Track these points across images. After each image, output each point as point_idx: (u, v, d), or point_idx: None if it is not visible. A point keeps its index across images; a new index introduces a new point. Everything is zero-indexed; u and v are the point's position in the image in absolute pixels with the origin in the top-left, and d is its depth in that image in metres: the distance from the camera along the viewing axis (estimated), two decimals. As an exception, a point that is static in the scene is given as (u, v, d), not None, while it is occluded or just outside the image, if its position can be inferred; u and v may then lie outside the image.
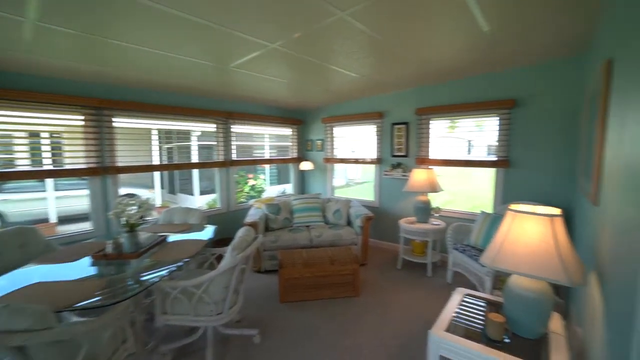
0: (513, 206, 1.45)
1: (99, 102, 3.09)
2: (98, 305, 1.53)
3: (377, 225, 4.56)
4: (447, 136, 4.59)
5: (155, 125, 3.76)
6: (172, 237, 2.63)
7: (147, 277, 1.86)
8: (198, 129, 4.56)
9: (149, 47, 2.32)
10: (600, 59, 1.77)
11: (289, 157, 5.61)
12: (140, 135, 4.19)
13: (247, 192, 7.52)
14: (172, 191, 9.06)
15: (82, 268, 1.99)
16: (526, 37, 2.42)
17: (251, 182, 7.73)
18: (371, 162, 4.66)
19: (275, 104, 4.96)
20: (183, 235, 2.69)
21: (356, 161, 4.97)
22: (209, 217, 4.16)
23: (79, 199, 6.46)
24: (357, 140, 5.09)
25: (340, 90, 4.08)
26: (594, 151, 1.72)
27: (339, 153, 5.33)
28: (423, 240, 3.59)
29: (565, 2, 1.86)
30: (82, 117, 3.07)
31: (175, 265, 2.03)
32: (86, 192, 3.24)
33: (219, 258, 2.42)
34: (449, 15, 2.00)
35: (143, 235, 2.44)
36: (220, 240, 3.88)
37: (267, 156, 5.46)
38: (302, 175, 5.78)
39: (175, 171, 8.54)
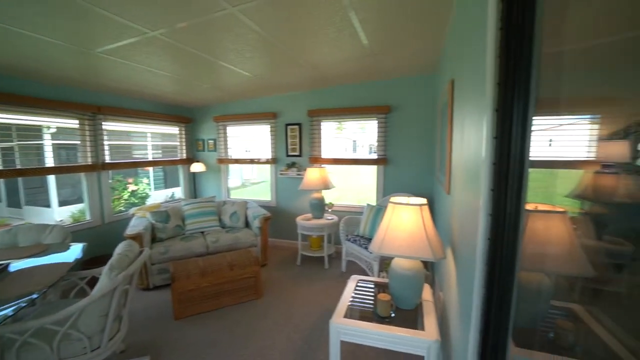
0: (393, 199, 1.70)
1: None
2: None
3: (276, 225, 4.62)
4: (336, 137, 4.99)
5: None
6: (17, 265, 2.06)
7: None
8: (52, 125, 3.69)
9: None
10: (447, 78, 2.23)
11: (178, 158, 5.11)
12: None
13: (127, 200, 6.51)
14: (14, 204, 7.08)
15: None
16: (396, 54, 2.85)
17: (132, 188, 6.73)
18: (267, 162, 4.67)
19: (159, 100, 4.44)
20: (35, 260, 2.15)
21: (252, 161, 4.91)
22: (76, 232, 3.43)
23: None
24: (251, 140, 5.02)
25: (233, 88, 3.95)
26: (445, 151, 2.17)
27: (233, 153, 5.15)
28: (319, 235, 3.82)
29: (419, 30, 2.28)
30: None
31: (24, 300, 1.60)
32: None
33: (93, 281, 2.04)
34: (334, 26, 2.18)
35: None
36: (94, 259, 3.27)
37: (150, 157, 4.83)
38: (194, 178, 5.35)
39: (19, 178, 6.69)
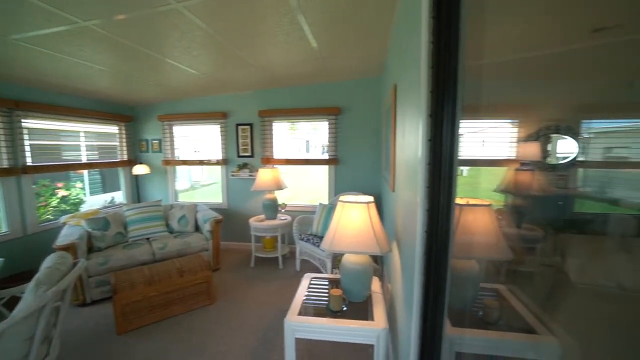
0: (342, 197, 1.77)
1: None
2: None
3: (228, 227, 4.50)
4: (290, 137, 5.01)
5: None
6: None
7: None
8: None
9: None
10: (391, 83, 2.38)
11: (117, 159, 4.71)
12: None
13: (56, 207, 5.83)
14: None
15: None
16: (344, 57, 2.96)
17: (62, 193, 6.03)
18: (217, 163, 4.53)
19: (95, 96, 4.05)
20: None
21: (201, 162, 4.71)
22: (-10, 247, 3.00)
23: None
24: (201, 141, 4.83)
25: (180, 86, 3.76)
26: (390, 151, 2.31)
27: (180, 154, 4.89)
28: (273, 235, 3.81)
29: (365, 35, 2.40)
30: None
31: None
32: None
33: (13, 301, 1.81)
34: (284, 28, 2.20)
35: None
36: (14, 276, 2.89)
37: (84, 159, 4.38)
38: (137, 181, 4.98)
39: None
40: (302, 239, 3.59)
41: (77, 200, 6.25)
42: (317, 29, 2.23)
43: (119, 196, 5.07)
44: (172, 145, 4.78)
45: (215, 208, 4.40)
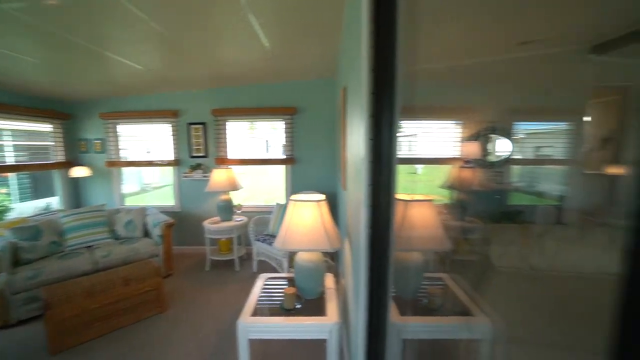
0: (293, 197, 1.79)
1: None
2: None
3: (181, 231, 4.29)
4: (248, 136, 4.92)
5: None
6: None
7: None
8: None
9: None
10: (342, 84, 2.45)
11: (51, 161, 4.27)
12: None
13: (-26, 216, 5.14)
14: None
15: None
16: (297, 57, 2.97)
17: (-19, 200, 5.34)
18: (168, 164, 4.30)
19: (23, 90, 3.63)
20: None
21: (150, 163, 4.45)
22: None
23: None
24: (150, 141, 4.55)
25: (124, 82, 3.52)
26: (341, 151, 2.38)
27: (128, 154, 4.57)
28: (228, 237, 3.71)
29: (316, 37, 2.44)
30: None
31: None
32: None
33: None
34: (235, 26, 2.16)
35: None
36: None
37: (10, 161, 3.90)
38: (77, 184, 4.55)
39: None
40: (259, 240, 3.55)
41: (1, 207, 5.56)
42: (269, 28, 2.22)
43: (55, 202, 4.60)
44: (116, 145, 4.44)
45: (167, 211, 4.18)
